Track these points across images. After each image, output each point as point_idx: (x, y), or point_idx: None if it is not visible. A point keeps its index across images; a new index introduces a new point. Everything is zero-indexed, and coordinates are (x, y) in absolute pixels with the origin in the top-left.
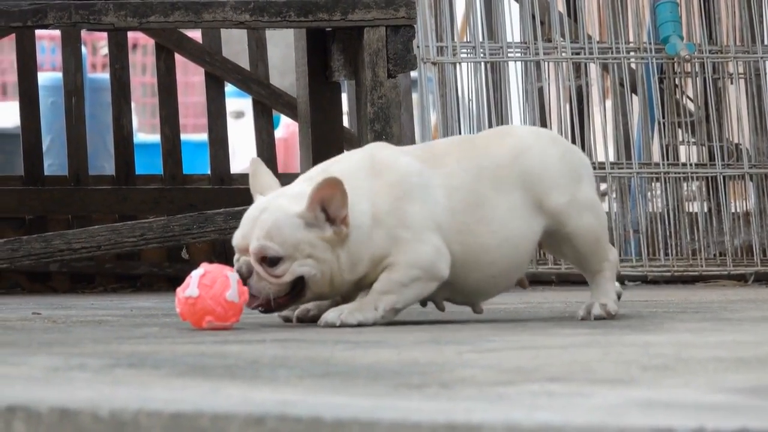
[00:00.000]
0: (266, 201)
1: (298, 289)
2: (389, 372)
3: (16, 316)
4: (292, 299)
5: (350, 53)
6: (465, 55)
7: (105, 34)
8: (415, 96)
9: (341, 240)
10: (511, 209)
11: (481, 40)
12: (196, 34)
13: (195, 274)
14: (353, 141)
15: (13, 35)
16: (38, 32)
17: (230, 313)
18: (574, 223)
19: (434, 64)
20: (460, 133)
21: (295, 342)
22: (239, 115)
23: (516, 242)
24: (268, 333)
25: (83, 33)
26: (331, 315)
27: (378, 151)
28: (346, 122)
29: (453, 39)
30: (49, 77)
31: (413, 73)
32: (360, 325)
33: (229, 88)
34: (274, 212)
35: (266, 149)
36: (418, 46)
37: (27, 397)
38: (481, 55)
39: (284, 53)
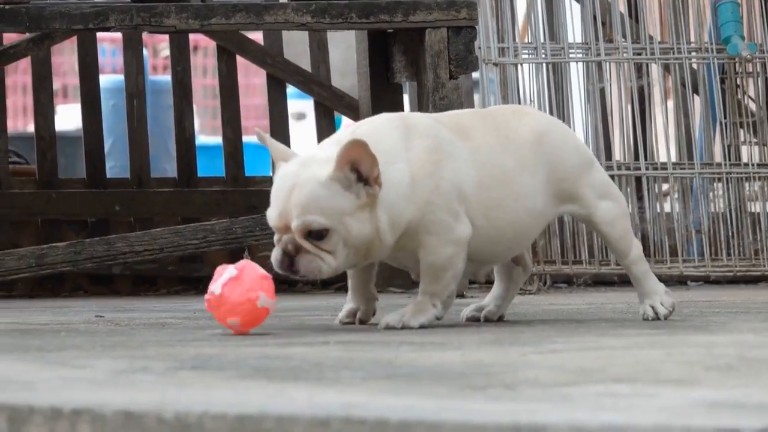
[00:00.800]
0: (294, 170)
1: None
2: (453, 373)
3: (79, 319)
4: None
5: (412, 55)
6: (526, 56)
7: (166, 37)
8: (476, 97)
9: (375, 200)
10: (535, 188)
11: (542, 40)
12: (257, 36)
13: (227, 273)
14: None
15: (74, 38)
16: (99, 35)
17: (258, 318)
18: (594, 207)
19: (496, 65)
20: None
21: (359, 344)
22: (301, 116)
23: (537, 220)
24: (331, 335)
25: (144, 35)
26: (392, 318)
27: (408, 115)
28: None
29: (514, 40)
30: (110, 80)
31: (475, 74)
32: (422, 327)
33: (290, 89)
34: (307, 183)
35: None
36: (479, 47)
37: (92, 399)
38: (543, 55)
39: (345, 54)
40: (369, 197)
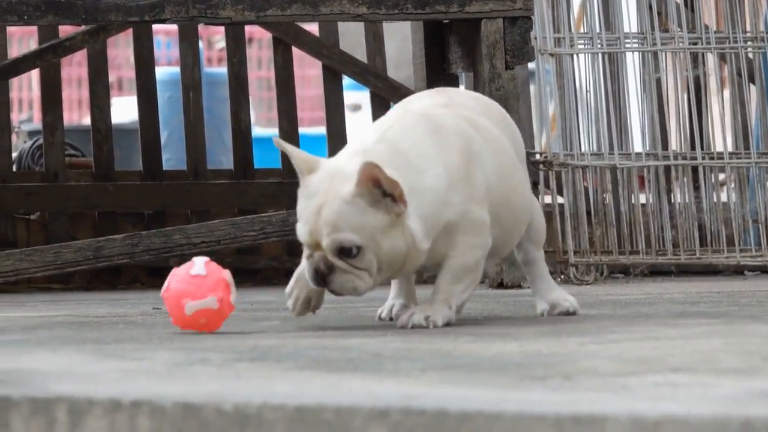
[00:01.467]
0: (321, 185)
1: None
2: (512, 364)
3: (136, 312)
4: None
5: (468, 45)
6: (582, 46)
7: (220, 28)
8: (532, 87)
9: (403, 216)
10: (524, 172)
11: (598, 30)
12: (313, 27)
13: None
14: None
15: (129, 30)
16: (154, 27)
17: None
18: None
19: (552, 55)
20: (579, 126)
21: (417, 334)
22: (356, 108)
23: (530, 204)
24: (389, 326)
25: (199, 27)
26: (417, 317)
27: (433, 114)
28: None
29: (570, 30)
30: (165, 72)
31: (530, 65)
32: (448, 324)
33: (346, 80)
34: (335, 200)
35: None
36: (535, 38)
37: (151, 391)
38: (599, 45)
39: (400, 45)
40: (396, 215)
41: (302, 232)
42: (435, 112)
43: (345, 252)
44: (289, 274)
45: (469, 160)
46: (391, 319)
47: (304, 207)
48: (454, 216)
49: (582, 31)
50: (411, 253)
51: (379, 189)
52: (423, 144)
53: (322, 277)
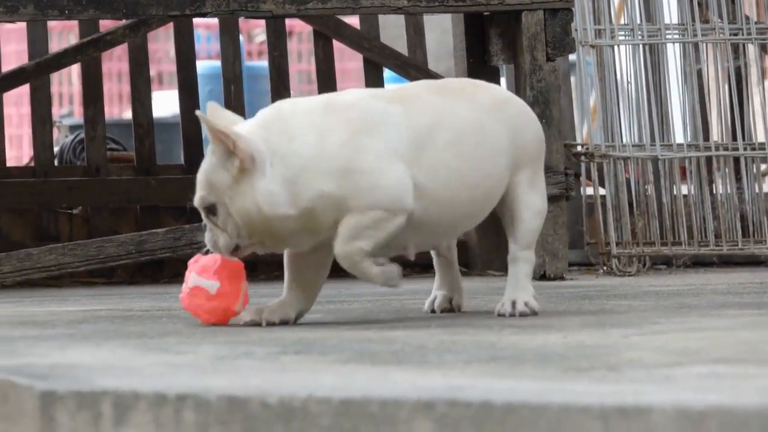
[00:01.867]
0: None
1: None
2: (556, 355)
3: (179, 305)
4: (236, 251)
5: (508, 37)
6: (623, 38)
7: (260, 22)
8: (573, 79)
9: (247, 174)
10: (496, 150)
11: (638, 22)
12: (353, 20)
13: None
14: None
15: (169, 24)
16: (194, 21)
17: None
18: (526, 191)
19: (593, 46)
20: (620, 117)
21: (461, 326)
22: None
23: (498, 184)
24: (433, 319)
25: (239, 20)
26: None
27: (343, 92)
28: None
29: (611, 21)
30: (206, 66)
31: (571, 56)
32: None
33: (386, 73)
34: (205, 159)
35: None
36: (575, 29)
37: (195, 385)
38: (639, 37)
39: (439, 38)
40: (238, 171)
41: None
42: (346, 92)
43: (207, 210)
44: (332, 268)
45: (361, 128)
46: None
47: None
48: (335, 188)
49: (623, 22)
50: (271, 217)
51: (225, 145)
52: (308, 114)
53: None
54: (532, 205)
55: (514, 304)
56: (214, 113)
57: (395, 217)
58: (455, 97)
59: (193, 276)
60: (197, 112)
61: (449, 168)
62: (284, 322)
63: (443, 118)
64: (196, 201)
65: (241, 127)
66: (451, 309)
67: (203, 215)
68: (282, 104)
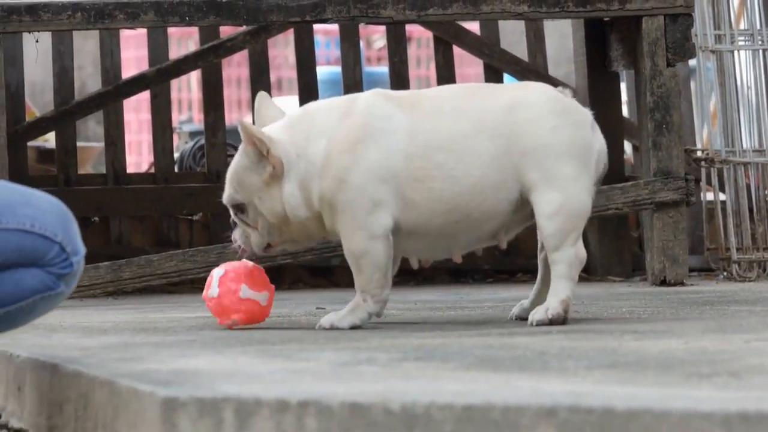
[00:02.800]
0: None
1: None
2: (678, 361)
3: (300, 312)
4: (268, 248)
5: (629, 43)
6: (743, 43)
7: (379, 27)
8: (693, 84)
9: (278, 177)
10: (488, 155)
11: (758, 27)
12: (472, 26)
13: (216, 274)
14: (633, 131)
15: (290, 31)
16: (314, 27)
17: (255, 310)
18: (540, 194)
19: (713, 52)
20: (740, 122)
21: (582, 332)
22: None
23: (489, 191)
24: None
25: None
26: (325, 320)
27: (365, 94)
28: (625, 112)
29: (730, 27)
30: (325, 71)
31: (691, 62)
32: (353, 327)
33: (506, 79)
34: (235, 157)
35: None
36: (696, 35)
37: (318, 392)
38: (759, 42)
39: (557, 44)
40: (269, 176)
41: None
42: (370, 92)
43: (236, 208)
44: (451, 273)
45: (360, 138)
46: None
47: None
48: (327, 191)
49: (742, 27)
50: (292, 219)
51: (259, 149)
52: (327, 117)
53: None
54: (547, 207)
55: (546, 311)
56: (262, 103)
57: (375, 240)
58: (470, 99)
59: (244, 288)
60: (238, 120)
61: (428, 176)
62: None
63: (438, 123)
64: (225, 198)
65: (271, 128)
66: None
67: (232, 213)
68: (309, 106)
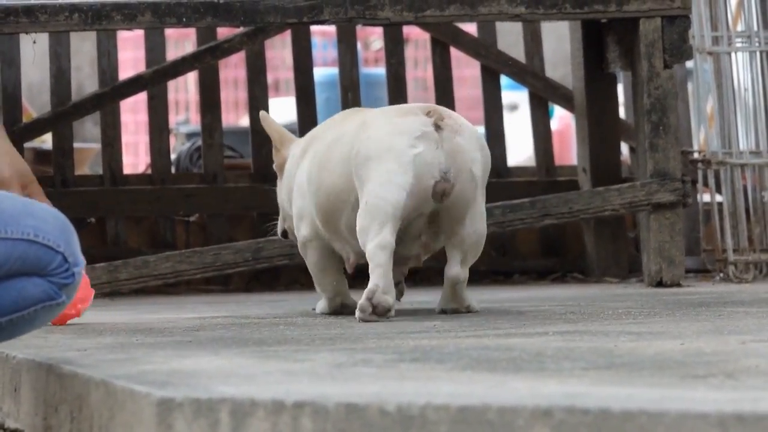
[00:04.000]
0: None
1: None
2: (674, 362)
3: (296, 312)
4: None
5: (626, 44)
6: (740, 45)
7: (376, 29)
8: (690, 86)
9: (280, 172)
10: (339, 171)
11: (756, 29)
12: (470, 28)
13: None
14: (630, 132)
15: (287, 32)
16: (311, 28)
17: None
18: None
19: (710, 54)
20: (737, 124)
21: (578, 333)
22: (513, 108)
23: (339, 203)
24: (550, 325)
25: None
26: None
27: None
28: (622, 113)
29: (728, 28)
30: (323, 73)
31: (688, 64)
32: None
33: (503, 80)
34: None
35: (543, 141)
36: (693, 36)
37: (313, 392)
38: (757, 44)
39: (555, 45)
40: (277, 169)
41: None
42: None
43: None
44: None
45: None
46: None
47: None
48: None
49: (739, 29)
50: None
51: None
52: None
53: None
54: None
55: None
56: (265, 122)
57: (308, 249)
58: (340, 126)
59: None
60: (261, 113)
61: (313, 193)
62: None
63: (324, 151)
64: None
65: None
66: None
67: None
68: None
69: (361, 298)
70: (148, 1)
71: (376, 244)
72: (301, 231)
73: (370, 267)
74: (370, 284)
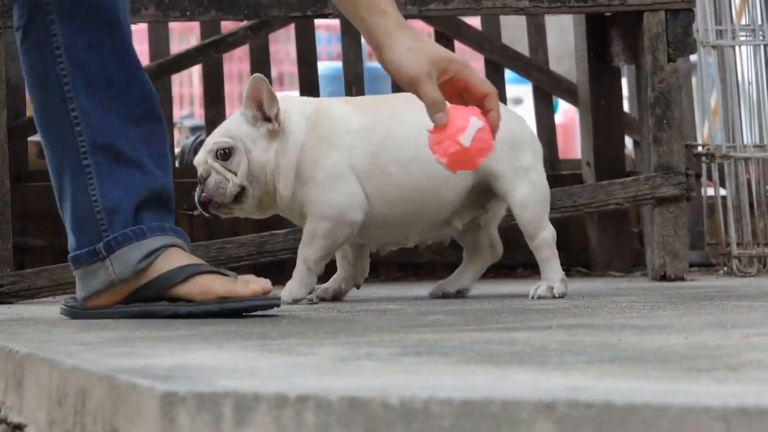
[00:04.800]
0: None
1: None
2: (677, 356)
3: (300, 306)
4: (234, 202)
5: (629, 38)
6: (744, 38)
7: None
8: (694, 80)
9: (275, 137)
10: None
11: (760, 22)
12: (474, 21)
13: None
14: (634, 126)
15: (291, 26)
16: (315, 22)
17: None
18: (512, 187)
19: (714, 47)
20: (741, 118)
21: (582, 327)
22: (517, 101)
23: (444, 183)
24: (553, 319)
25: None
26: (283, 294)
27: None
28: (626, 107)
29: (732, 22)
30: (327, 67)
31: (692, 57)
32: (295, 302)
33: (507, 74)
34: (232, 117)
35: (547, 135)
36: (697, 30)
37: (317, 386)
38: (761, 37)
39: (559, 39)
40: (270, 133)
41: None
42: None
43: (220, 154)
44: (451, 268)
45: (326, 140)
46: (322, 299)
47: None
48: (306, 171)
49: (744, 23)
50: (271, 186)
51: (260, 113)
52: (304, 102)
53: (202, 186)
54: (521, 199)
55: (552, 289)
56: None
57: (343, 228)
58: (413, 99)
59: (474, 120)
60: (256, 75)
61: (381, 172)
62: (337, 297)
63: (391, 125)
64: (212, 144)
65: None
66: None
67: (210, 160)
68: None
69: (558, 285)
70: None
71: (552, 233)
72: (352, 213)
73: (546, 255)
74: (557, 274)
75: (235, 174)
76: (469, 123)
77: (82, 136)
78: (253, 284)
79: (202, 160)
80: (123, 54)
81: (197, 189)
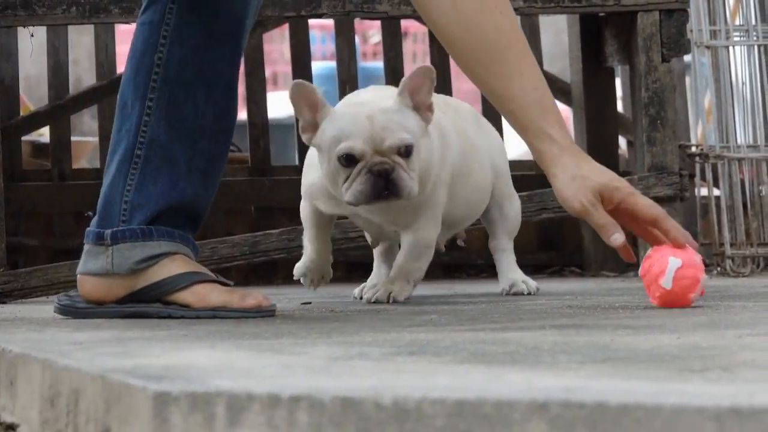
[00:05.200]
0: (358, 108)
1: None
2: (670, 356)
3: (293, 306)
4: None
5: (623, 38)
6: (738, 39)
7: (375, 23)
8: (688, 80)
9: (427, 126)
10: (486, 157)
11: (754, 23)
12: None
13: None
14: (627, 126)
15: (285, 26)
16: (309, 22)
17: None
18: (506, 199)
19: (708, 47)
20: (734, 118)
21: (575, 328)
22: None
23: (490, 188)
24: (546, 320)
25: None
26: (380, 294)
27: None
28: (619, 107)
29: (726, 22)
30: (321, 66)
31: (686, 57)
32: (406, 300)
33: None
34: (386, 111)
35: None
36: (691, 30)
37: (309, 386)
38: (755, 38)
39: (553, 39)
40: (425, 122)
41: (356, 143)
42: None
43: (404, 151)
44: (444, 267)
45: (445, 143)
46: (361, 298)
47: (349, 123)
48: (436, 168)
49: (738, 23)
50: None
51: (412, 100)
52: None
53: (386, 179)
54: (513, 212)
55: (514, 285)
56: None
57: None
58: (452, 107)
59: (672, 261)
60: (426, 66)
61: (465, 174)
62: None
63: (462, 127)
64: (396, 142)
65: (371, 93)
66: None
67: (395, 155)
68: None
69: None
70: None
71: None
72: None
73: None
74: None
75: (415, 172)
76: (667, 265)
77: (146, 128)
78: (250, 298)
79: (369, 150)
80: (224, 68)
81: (373, 178)
